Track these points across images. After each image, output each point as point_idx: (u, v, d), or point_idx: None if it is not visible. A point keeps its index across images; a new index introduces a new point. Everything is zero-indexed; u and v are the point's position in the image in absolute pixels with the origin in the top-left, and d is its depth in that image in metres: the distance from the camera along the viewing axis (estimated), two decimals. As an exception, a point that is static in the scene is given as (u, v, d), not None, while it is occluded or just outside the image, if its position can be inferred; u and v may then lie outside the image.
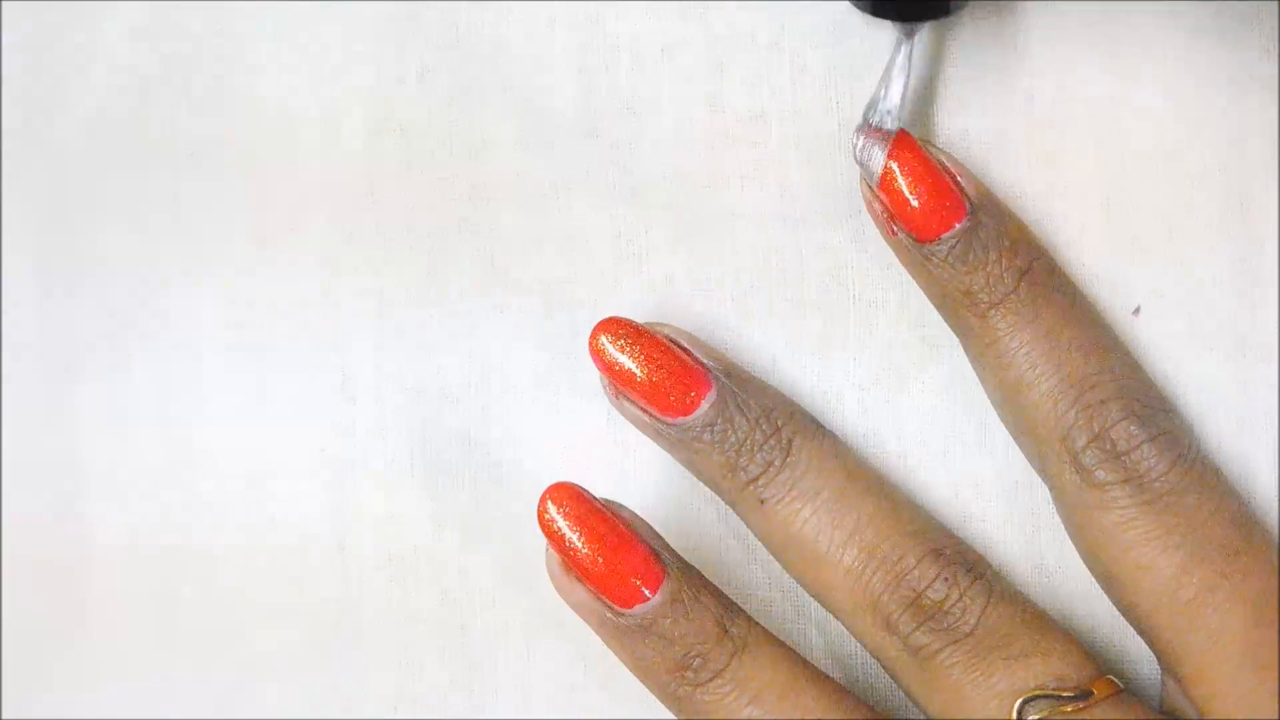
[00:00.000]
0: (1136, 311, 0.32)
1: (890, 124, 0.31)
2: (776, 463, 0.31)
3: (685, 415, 0.31)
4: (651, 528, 0.32)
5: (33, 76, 0.37)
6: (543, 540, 0.31)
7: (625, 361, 0.32)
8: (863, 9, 0.31)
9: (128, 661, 0.37)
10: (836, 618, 0.31)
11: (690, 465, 0.32)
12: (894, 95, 0.31)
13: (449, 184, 0.35)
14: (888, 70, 0.31)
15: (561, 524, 0.30)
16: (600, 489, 0.34)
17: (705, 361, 0.32)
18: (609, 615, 0.30)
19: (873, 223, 0.32)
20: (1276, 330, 0.32)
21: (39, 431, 0.37)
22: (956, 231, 0.31)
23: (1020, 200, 0.32)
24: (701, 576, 0.32)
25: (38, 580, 0.37)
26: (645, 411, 0.32)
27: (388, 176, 0.35)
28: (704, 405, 0.31)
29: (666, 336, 0.32)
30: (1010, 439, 0.32)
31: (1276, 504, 0.32)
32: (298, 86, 0.36)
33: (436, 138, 0.35)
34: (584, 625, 0.32)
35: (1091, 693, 0.29)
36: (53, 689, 0.37)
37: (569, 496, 0.31)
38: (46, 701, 0.37)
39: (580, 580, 0.31)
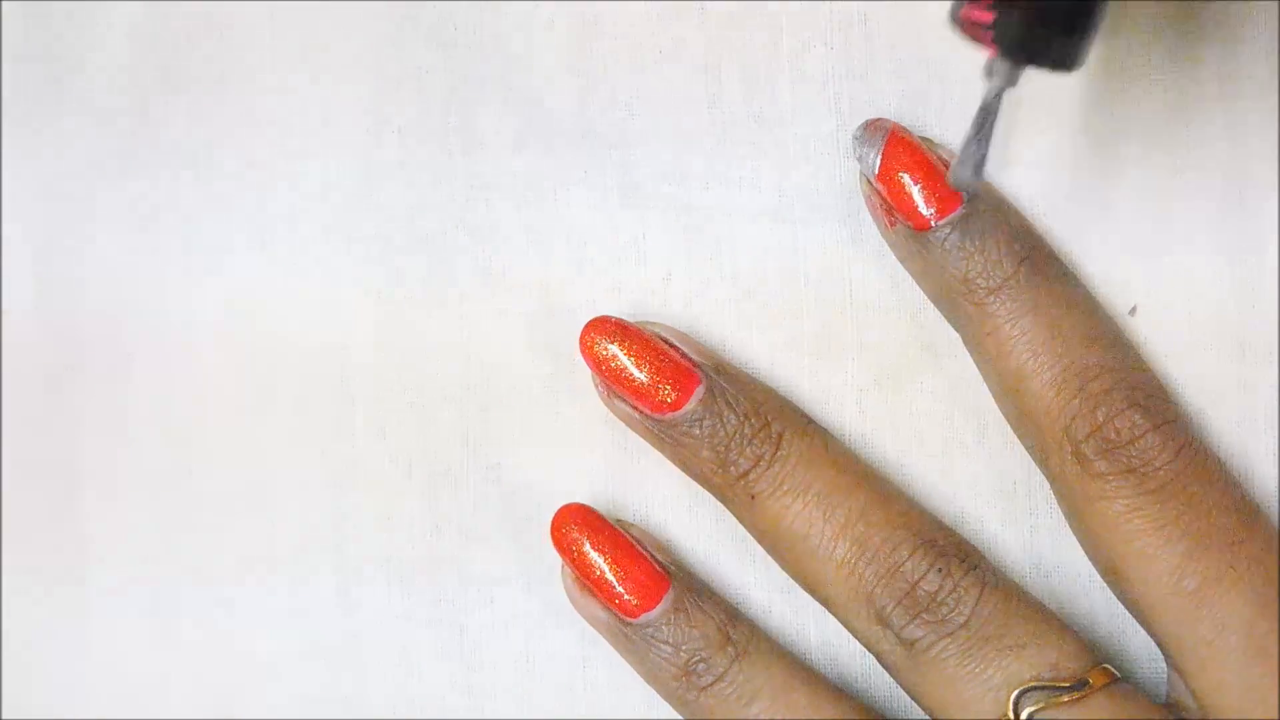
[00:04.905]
0: (1133, 311, 0.32)
1: (975, 176, 0.29)
2: (766, 457, 0.31)
3: (674, 411, 0.32)
4: (657, 541, 0.33)
5: (33, 76, 0.37)
6: (545, 545, 0.33)
7: (615, 359, 0.32)
8: (1011, 57, 0.26)
9: (128, 661, 0.37)
10: (831, 612, 0.31)
11: (682, 462, 0.32)
12: (985, 144, 0.29)
13: (448, 184, 0.35)
14: (986, 119, 0.28)
15: (573, 541, 0.32)
16: (599, 489, 0.34)
17: (694, 358, 0.32)
18: (619, 626, 0.32)
19: (871, 220, 0.33)
20: (1276, 330, 0.32)
21: (39, 431, 0.37)
22: (953, 218, 0.31)
23: (1019, 200, 0.32)
24: (705, 585, 0.33)
25: (38, 580, 0.37)
26: (636, 409, 0.32)
27: (387, 176, 0.35)
28: (693, 401, 0.32)
29: (656, 334, 0.32)
30: (1008, 441, 0.32)
31: (1277, 504, 0.32)
32: (298, 86, 0.36)
33: (436, 138, 0.35)
34: (583, 626, 0.33)
35: (1087, 682, 0.29)
36: (53, 689, 0.37)
37: (580, 515, 0.33)
38: (46, 701, 0.37)
39: (592, 594, 0.32)
